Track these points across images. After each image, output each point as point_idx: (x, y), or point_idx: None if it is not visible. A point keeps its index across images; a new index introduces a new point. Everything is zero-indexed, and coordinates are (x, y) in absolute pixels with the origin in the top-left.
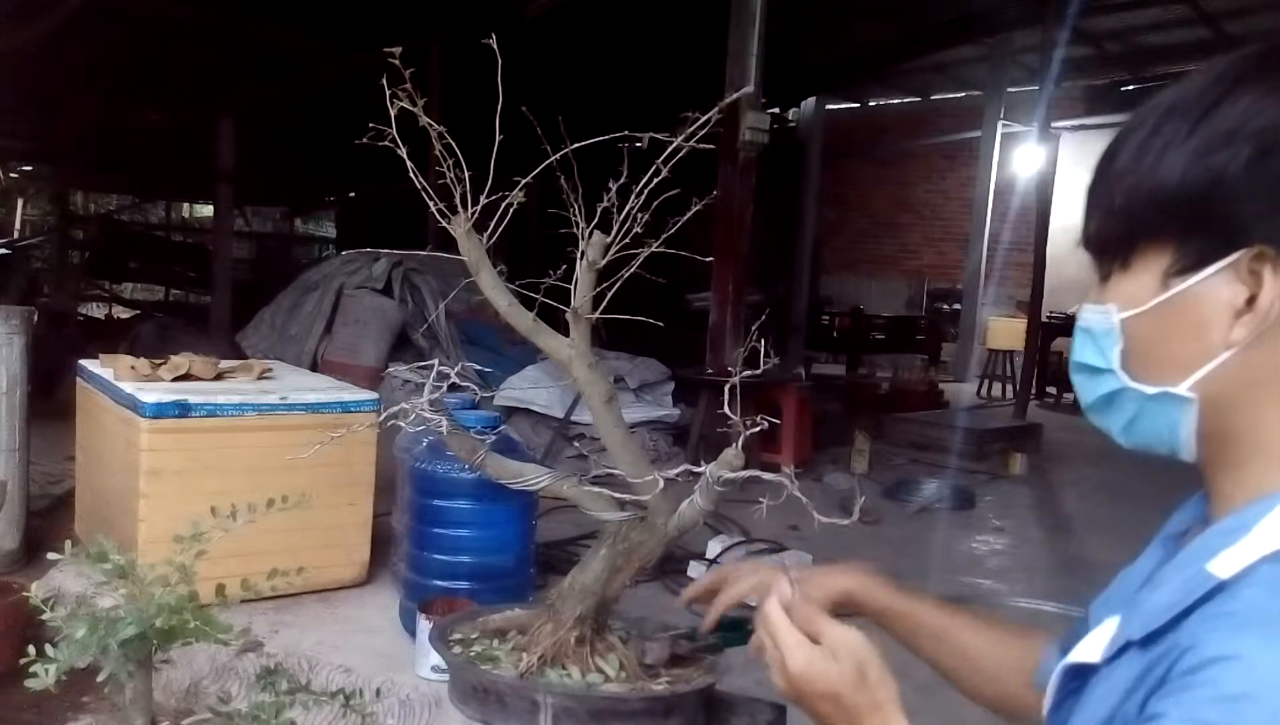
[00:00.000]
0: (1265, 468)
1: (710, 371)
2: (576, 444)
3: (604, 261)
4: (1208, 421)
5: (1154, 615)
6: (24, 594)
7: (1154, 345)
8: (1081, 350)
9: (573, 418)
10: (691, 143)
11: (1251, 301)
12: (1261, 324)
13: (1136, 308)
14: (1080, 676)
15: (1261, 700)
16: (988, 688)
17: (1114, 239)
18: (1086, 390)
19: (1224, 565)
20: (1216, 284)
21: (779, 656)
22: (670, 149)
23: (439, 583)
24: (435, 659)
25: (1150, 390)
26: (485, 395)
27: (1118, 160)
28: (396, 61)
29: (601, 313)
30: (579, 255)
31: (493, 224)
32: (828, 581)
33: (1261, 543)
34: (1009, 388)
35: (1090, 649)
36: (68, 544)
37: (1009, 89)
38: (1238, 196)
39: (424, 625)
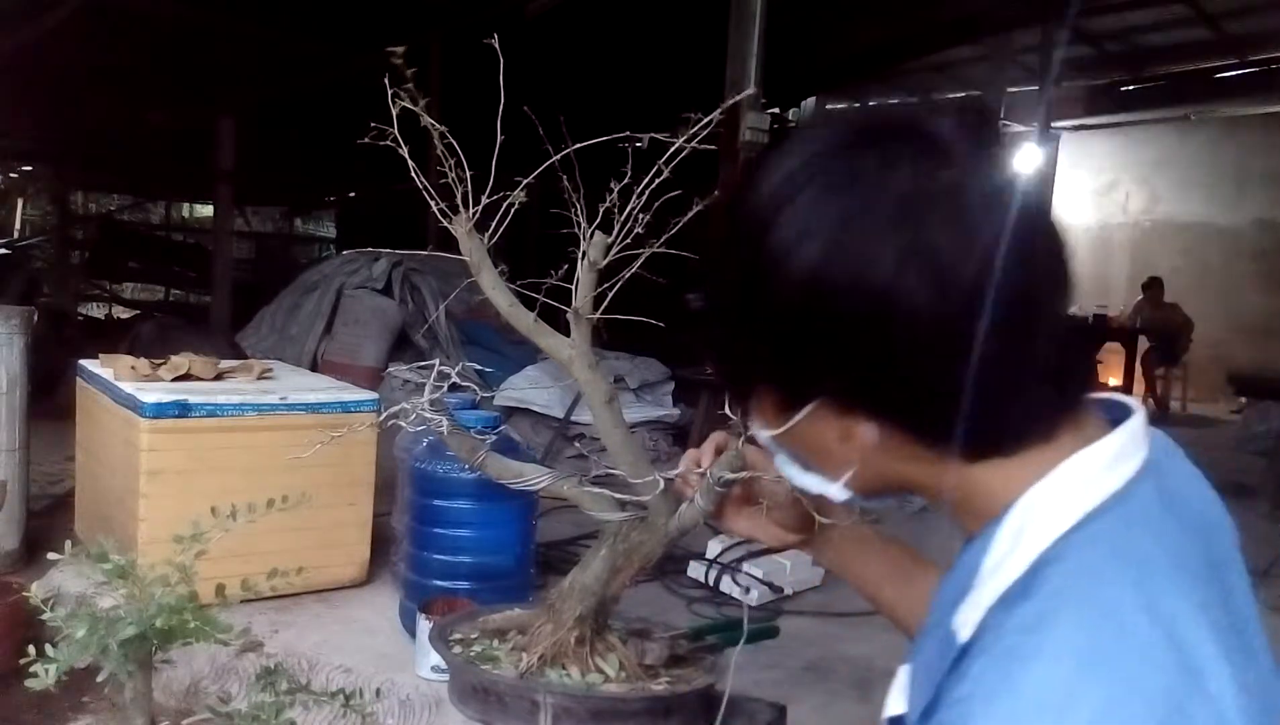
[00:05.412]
0: (970, 512)
1: (710, 371)
2: (576, 444)
3: (605, 262)
4: (903, 489)
5: (922, 687)
6: (24, 594)
7: (802, 457)
8: None
9: (573, 418)
10: (693, 144)
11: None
12: (865, 448)
13: (771, 430)
14: None
15: None
16: None
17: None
18: None
19: (963, 622)
20: (815, 421)
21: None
22: (672, 150)
23: (439, 583)
24: (435, 659)
25: (814, 489)
26: (485, 395)
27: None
28: (397, 61)
29: (602, 313)
30: (580, 255)
31: (494, 224)
32: None
33: (987, 591)
34: None
35: (897, 700)
36: (68, 544)
37: (1009, 89)
38: (758, 368)
39: (424, 625)
